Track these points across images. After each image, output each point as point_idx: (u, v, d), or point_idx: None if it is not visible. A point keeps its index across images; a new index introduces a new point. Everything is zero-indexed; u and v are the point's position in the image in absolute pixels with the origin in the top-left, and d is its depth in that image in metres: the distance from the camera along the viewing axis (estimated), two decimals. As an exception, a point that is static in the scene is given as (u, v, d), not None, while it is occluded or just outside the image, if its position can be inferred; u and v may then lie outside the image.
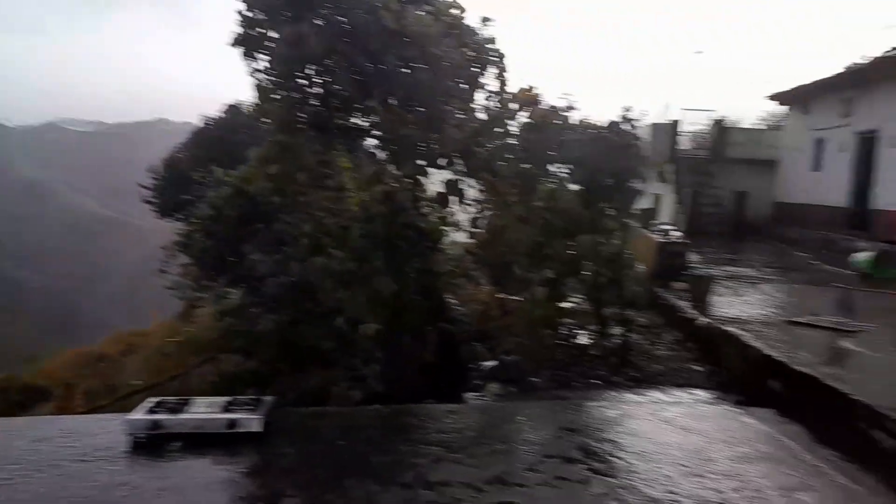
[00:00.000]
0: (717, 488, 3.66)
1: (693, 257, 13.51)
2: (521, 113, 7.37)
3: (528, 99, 7.07)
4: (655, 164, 20.12)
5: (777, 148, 19.59)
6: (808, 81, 16.87)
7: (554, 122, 7.19)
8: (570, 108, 6.96)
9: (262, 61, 6.35)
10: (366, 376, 6.47)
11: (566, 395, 6.39)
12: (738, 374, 6.37)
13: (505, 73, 7.37)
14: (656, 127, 20.07)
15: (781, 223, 18.11)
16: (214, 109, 20.41)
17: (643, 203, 20.59)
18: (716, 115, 21.44)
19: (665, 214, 20.69)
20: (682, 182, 19.12)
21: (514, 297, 8.90)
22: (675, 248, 10.55)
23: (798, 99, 18.05)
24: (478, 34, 7.48)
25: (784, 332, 7.01)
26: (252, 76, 6.55)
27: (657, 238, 10.95)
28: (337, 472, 3.72)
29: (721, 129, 20.94)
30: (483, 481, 3.59)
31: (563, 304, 9.81)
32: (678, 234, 11.15)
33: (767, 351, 6.05)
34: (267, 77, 6.40)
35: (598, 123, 6.88)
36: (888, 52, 13.94)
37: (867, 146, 14.75)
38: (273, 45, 6.25)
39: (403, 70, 6.35)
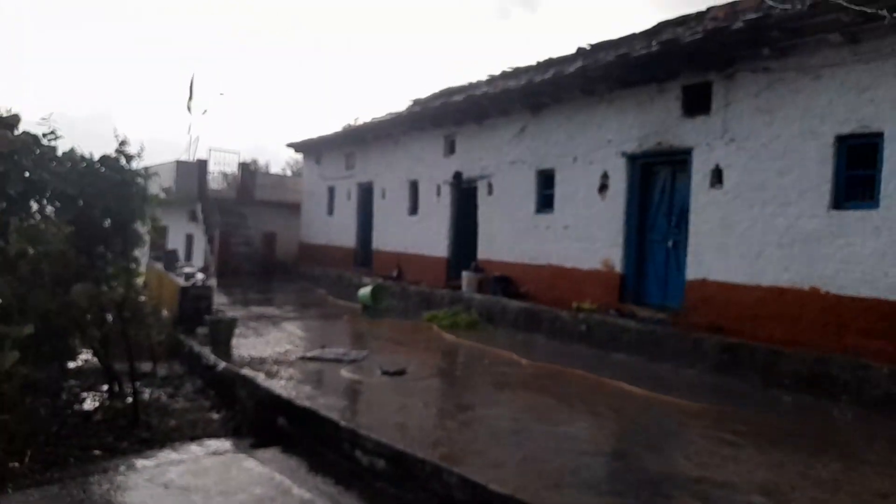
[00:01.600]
0: (205, 552, 3.49)
1: (221, 299, 13.48)
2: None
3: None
4: (183, 203, 19.59)
5: (300, 192, 21.47)
6: (316, 135, 19.04)
7: (35, 150, 6.06)
8: (52, 135, 5.97)
9: None
10: None
11: (55, 476, 5.34)
12: (252, 416, 6.44)
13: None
14: (181, 165, 19.59)
15: (306, 262, 19.82)
16: None
17: (169, 244, 19.72)
18: (244, 158, 22.26)
19: (197, 255, 20.26)
20: (213, 222, 19.07)
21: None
22: (198, 292, 10.24)
23: (311, 149, 20.21)
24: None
25: (294, 369, 7.48)
26: None
27: (180, 282, 10.49)
28: None
29: (249, 172, 21.82)
30: None
31: (69, 364, 8.39)
32: (202, 276, 10.90)
33: (277, 390, 6.31)
34: None
35: (90, 156, 6.09)
36: (376, 118, 16.86)
37: (366, 195, 17.49)
38: None
39: None
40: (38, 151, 5.79)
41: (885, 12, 6.29)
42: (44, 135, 5.75)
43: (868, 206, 6.99)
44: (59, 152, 6.19)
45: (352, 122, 18.15)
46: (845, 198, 7.25)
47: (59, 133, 5.82)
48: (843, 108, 7.19)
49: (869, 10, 6.42)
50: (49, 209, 6.08)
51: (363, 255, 17.63)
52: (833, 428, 5.73)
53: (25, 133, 5.59)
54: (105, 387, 7.66)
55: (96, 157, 6.04)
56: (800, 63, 7.56)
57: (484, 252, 12.74)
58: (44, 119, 6.07)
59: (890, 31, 6.60)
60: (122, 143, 6.09)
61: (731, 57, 8.14)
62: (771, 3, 8.10)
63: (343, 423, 5.14)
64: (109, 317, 7.20)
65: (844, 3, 6.57)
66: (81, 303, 6.23)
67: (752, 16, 7.69)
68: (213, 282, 14.65)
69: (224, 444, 6.05)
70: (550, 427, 5.33)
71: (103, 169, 5.91)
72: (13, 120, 5.45)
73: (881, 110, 6.87)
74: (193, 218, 19.91)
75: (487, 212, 12.73)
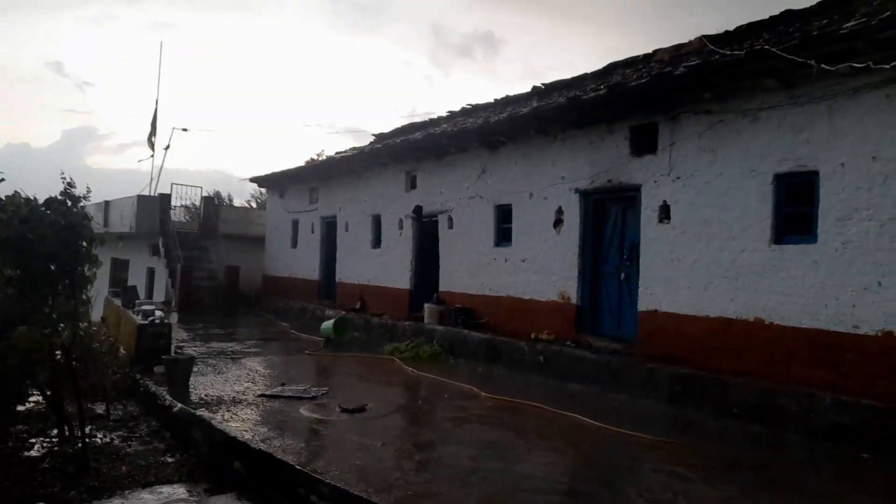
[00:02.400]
0: None
1: (182, 334, 13.28)
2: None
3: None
4: (145, 238, 19.31)
5: (263, 226, 21.36)
6: (278, 170, 19.07)
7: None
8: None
9: None
10: None
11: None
12: (207, 460, 6.36)
13: None
14: (142, 199, 19.36)
15: (270, 295, 19.63)
16: None
17: (130, 279, 19.32)
18: (207, 191, 22.08)
19: (159, 289, 19.91)
20: (175, 256, 18.82)
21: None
22: (156, 330, 10.08)
23: (274, 184, 20.19)
24: None
25: (253, 408, 7.42)
26: None
27: (138, 320, 10.32)
28: None
29: (212, 206, 21.65)
30: None
31: (18, 408, 8.16)
32: (161, 313, 10.73)
33: (233, 432, 6.25)
34: None
35: (34, 200, 6.03)
36: (339, 153, 17.00)
37: (330, 229, 17.51)
38: None
39: None
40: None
41: (813, 62, 6.70)
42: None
43: (807, 241, 7.34)
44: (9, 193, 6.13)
45: (315, 157, 18.25)
46: (785, 233, 7.60)
47: (1, 176, 5.78)
48: (780, 148, 7.58)
49: (799, 59, 6.83)
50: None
51: (327, 287, 17.57)
52: (781, 459, 5.91)
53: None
54: (55, 431, 7.46)
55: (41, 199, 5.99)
56: (739, 106, 7.96)
57: (445, 284, 12.85)
58: None
59: (821, 77, 7.00)
60: (69, 185, 6.05)
61: (675, 100, 8.52)
62: (712, 48, 8.55)
63: (298, 466, 5.13)
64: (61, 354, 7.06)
65: (778, 52, 6.98)
66: (22, 346, 6.10)
67: (694, 61, 8.09)
68: (173, 317, 14.41)
69: (178, 490, 5.95)
70: (508, 464, 5.40)
71: (48, 212, 5.86)
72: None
73: (816, 150, 7.26)
74: (155, 252, 19.62)
75: (448, 245, 12.88)
